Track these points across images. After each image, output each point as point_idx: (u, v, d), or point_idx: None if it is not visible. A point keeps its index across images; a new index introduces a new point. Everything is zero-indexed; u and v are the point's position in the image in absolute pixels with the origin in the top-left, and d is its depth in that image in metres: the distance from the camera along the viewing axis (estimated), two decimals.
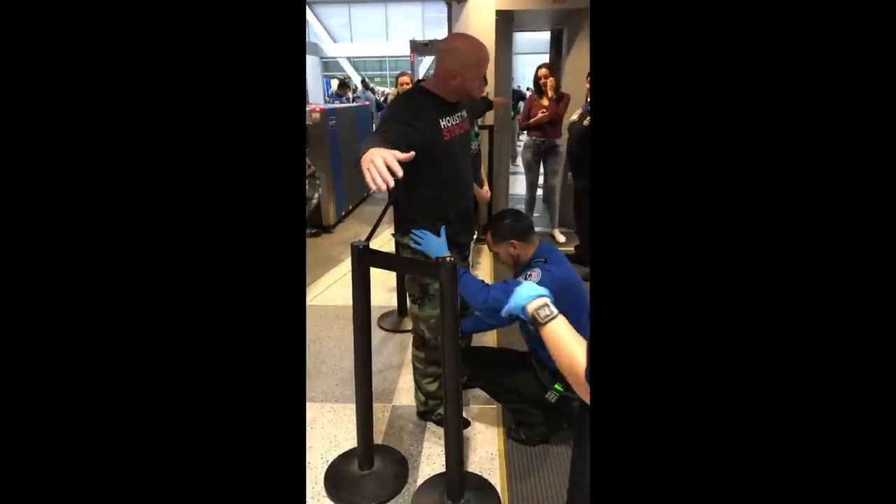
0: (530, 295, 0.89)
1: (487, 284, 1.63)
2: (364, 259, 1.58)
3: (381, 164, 1.13)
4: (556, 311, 0.86)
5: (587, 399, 0.75)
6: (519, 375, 1.83)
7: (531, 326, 0.87)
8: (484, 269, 3.67)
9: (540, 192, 4.23)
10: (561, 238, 4.18)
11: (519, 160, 6.21)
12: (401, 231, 1.80)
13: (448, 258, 1.42)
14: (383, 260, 1.75)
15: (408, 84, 3.92)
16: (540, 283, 1.67)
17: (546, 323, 0.85)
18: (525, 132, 4.09)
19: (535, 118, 3.80)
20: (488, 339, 2.58)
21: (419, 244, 1.65)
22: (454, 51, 1.62)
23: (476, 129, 3.01)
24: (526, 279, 1.71)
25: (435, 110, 1.65)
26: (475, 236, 2.62)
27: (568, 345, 0.81)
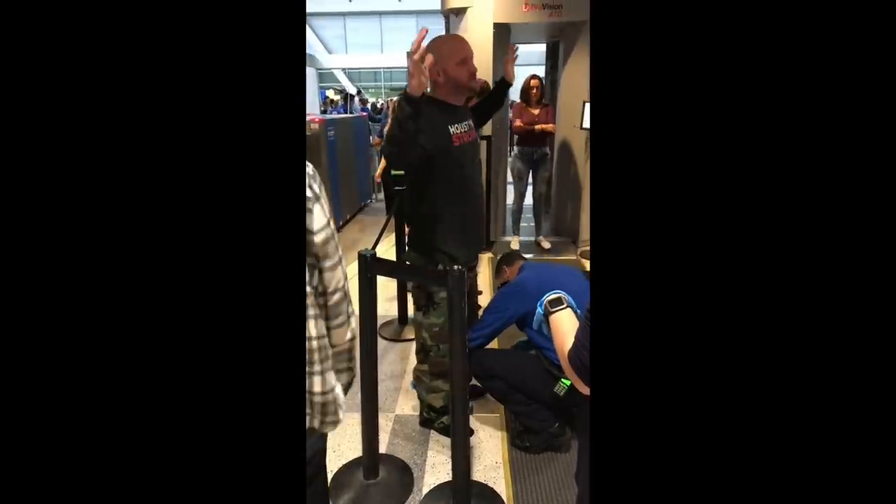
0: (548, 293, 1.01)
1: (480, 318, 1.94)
2: (371, 267, 1.58)
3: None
4: (566, 304, 0.97)
5: (577, 385, 0.82)
6: (525, 370, 1.83)
7: (544, 317, 0.96)
8: (483, 276, 3.68)
9: (528, 201, 4.30)
10: (546, 245, 4.25)
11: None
12: (409, 241, 1.81)
13: (457, 268, 1.43)
14: (390, 268, 1.76)
15: None
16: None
17: (554, 312, 0.96)
18: (515, 143, 4.18)
19: (540, 126, 3.89)
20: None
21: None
22: (431, 52, 1.65)
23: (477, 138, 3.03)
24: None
25: (443, 117, 1.67)
26: None
27: (565, 331, 0.90)
